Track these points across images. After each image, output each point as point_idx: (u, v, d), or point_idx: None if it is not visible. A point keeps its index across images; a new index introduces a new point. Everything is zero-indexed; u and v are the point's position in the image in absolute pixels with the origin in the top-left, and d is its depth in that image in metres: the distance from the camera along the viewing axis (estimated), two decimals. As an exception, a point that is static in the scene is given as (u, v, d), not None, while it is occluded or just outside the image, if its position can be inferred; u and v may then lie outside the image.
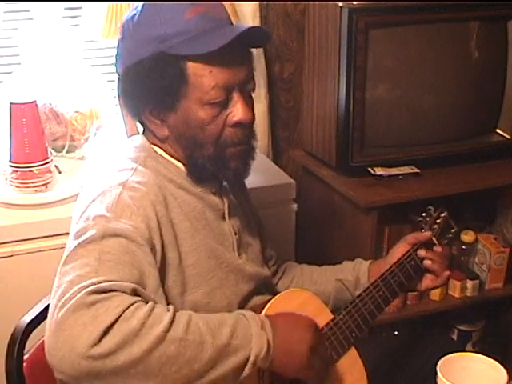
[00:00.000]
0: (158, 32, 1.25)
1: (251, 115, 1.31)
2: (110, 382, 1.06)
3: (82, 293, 1.06)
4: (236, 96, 1.29)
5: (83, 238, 1.16)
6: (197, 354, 1.09)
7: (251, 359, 1.14)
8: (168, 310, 1.12)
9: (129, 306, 1.07)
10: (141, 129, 1.40)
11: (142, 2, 1.28)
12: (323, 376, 1.31)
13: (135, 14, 1.29)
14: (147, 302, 1.11)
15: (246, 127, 1.32)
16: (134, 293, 1.12)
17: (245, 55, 1.30)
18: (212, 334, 1.12)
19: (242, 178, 1.39)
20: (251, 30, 1.27)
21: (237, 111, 1.29)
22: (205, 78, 1.25)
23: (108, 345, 1.03)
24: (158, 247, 1.22)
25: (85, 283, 1.08)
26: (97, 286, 1.08)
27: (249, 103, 1.31)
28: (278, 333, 1.19)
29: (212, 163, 1.30)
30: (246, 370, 1.15)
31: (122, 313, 1.06)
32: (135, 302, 1.09)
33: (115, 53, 1.35)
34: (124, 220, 1.18)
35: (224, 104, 1.28)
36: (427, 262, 1.51)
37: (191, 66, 1.25)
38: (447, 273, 1.52)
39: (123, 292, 1.09)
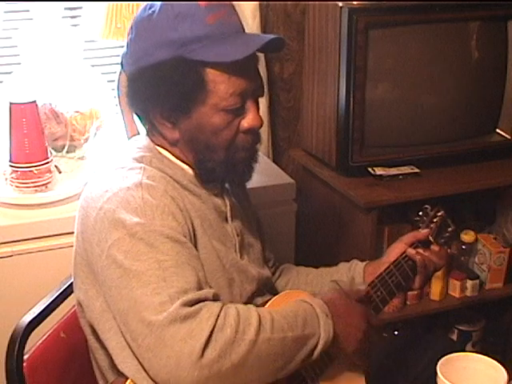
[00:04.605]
0: (177, 35, 1.23)
1: (261, 121, 1.32)
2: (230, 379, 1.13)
3: (172, 307, 1.09)
4: (249, 103, 1.30)
5: (131, 252, 1.15)
6: (282, 349, 1.17)
7: (320, 347, 1.22)
8: (249, 309, 1.16)
9: (218, 315, 1.12)
10: (142, 130, 1.40)
11: (160, 3, 1.25)
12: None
13: (152, 14, 1.26)
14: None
15: (255, 133, 1.33)
16: (215, 297, 1.17)
17: (256, 62, 1.31)
18: (291, 328, 1.18)
19: (247, 181, 1.40)
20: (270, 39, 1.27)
21: (250, 118, 1.30)
22: (223, 84, 1.25)
23: (211, 356, 1.09)
24: (190, 237, 1.24)
25: (170, 295, 1.11)
26: (184, 298, 1.10)
27: (258, 109, 1.32)
28: (340, 319, 1.27)
29: (222, 167, 1.31)
30: (315, 356, 1.22)
31: (215, 323, 1.10)
32: (221, 308, 1.13)
33: (124, 51, 1.32)
34: (157, 221, 1.18)
35: (238, 111, 1.28)
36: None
37: (210, 73, 1.24)
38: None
39: (208, 300, 1.14)
